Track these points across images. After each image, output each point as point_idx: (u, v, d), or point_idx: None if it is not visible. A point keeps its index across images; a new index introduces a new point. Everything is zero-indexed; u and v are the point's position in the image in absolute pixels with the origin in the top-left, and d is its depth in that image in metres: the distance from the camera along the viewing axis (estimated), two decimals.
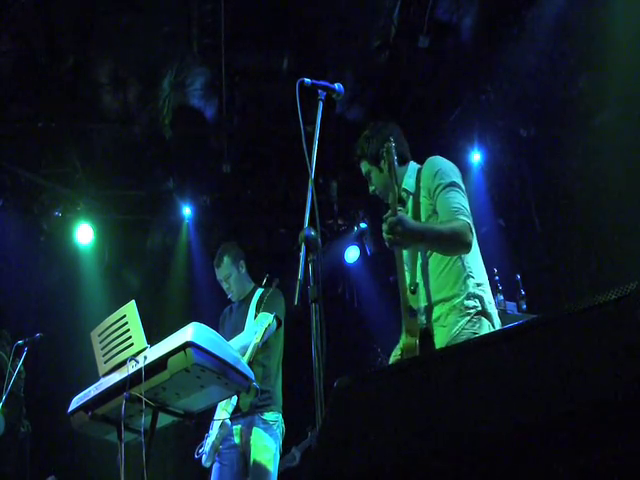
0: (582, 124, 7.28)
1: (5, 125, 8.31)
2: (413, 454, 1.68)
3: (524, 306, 6.41)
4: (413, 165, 3.95)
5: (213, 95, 8.42)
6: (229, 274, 5.77)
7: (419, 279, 3.72)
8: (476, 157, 8.56)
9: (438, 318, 3.59)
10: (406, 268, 3.76)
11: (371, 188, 4.09)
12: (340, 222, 10.65)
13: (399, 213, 3.38)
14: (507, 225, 8.24)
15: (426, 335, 3.55)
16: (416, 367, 1.85)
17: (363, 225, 10.30)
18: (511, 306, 6.26)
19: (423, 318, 3.62)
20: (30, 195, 9.16)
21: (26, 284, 9.11)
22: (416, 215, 3.75)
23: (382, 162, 3.94)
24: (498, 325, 3.58)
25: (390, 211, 3.45)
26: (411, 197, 3.84)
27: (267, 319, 5.24)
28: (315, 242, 2.78)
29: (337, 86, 3.39)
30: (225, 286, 5.83)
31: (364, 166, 4.13)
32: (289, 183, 9.84)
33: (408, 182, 3.88)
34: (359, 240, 10.46)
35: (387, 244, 3.42)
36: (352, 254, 10.48)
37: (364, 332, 10.04)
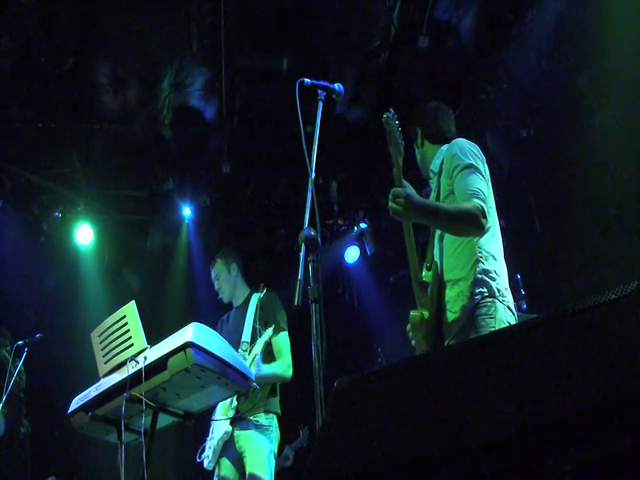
0: (582, 124, 7.27)
1: (5, 125, 8.30)
2: (412, 454, 1.68)
3: (524, 306, 6.40)
4: (445, 147, 3.94)
5: (213, 95, 8.42)
6: (219, 274, 5.95)
7: (437, 257, 3.74)
8: None
9: (448, 301, 3.60)
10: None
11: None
12: (340, 222, 10.65)
13: (406, 187, 3.40)
14: (507, 225, 8.21)
15: (439, 313, 3.60)
16: (416, 367, 1.85)
17: (363, 225, 10.29)
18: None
19: (435, 293, 3.63)
20: (30, 195, 9.15)
21: (26, 285, 9.10)
22: (437, 195, 3.80)
23: (417, 140, 4.07)
24: (510, 310, 3.56)
25: (396, 183, 3.47)
26: (435, 177, 3.90)
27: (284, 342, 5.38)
28: (315, 242, 2.79)
29: (337, 86, 3.39)
30: (216, 286, 5.99)
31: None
32: (289, 183, 9.85)
33: (435, 163, 3.93)
34: (359, 240, 10.46)
35: (390, 213, 3.37)
36: (352, 254, 10.48)
37: (364, 332, 10.04)
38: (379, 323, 9.83)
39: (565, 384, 1.50)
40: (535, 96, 7.80)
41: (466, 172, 3.60)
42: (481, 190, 3.51)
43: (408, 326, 3.68)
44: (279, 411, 5.46)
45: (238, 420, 5.24)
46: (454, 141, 3.85)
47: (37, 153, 8.80)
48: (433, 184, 3.93)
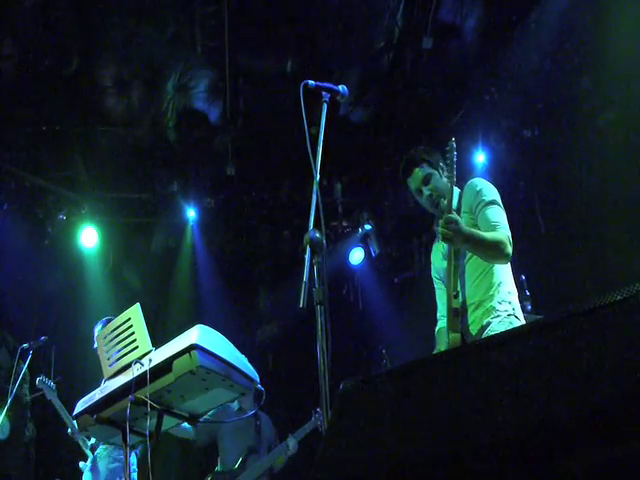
0: (586, 124, 7.27)
1: (9, 128, 8.31)
2: (418, 457, 1.67)
3: (529, 307, 6.38)
4: (456, 189, 4.16)
5: (217, 97, 8.42)
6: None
7: (459, 286, 3.97)
8: (480, 158, 8.53)
9: (472, 322, 3.86)
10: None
11: (426, 193, 4.18)
12: (344, 224, 10.63)
13: (454, 214, 3.69)
14: (511, 226, 8.20)
15: (465, 335, 3.86)
16: (421, 369, 1.85)
17: (367, 226, 10.28)
18: None
19: (461, 318, 3.89)
20: (34, 198, 9.16)
21: (31, 287, 9.10)
22: None
23: (440, 170, 4.23)
24: None
25: (446, 210, 3.79)
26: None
27: None
28: (320, 244, 2.79)
29: (341, 88, 3.39)
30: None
31: (422, 171, 4.20)
32: (293, 185, 9.85)
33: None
34: (363, 241, 10.45)
35: (440, 237, 3.74)
36: (356, 256, 10.47)
37: (368, 333, 10.03)
38: (384, 324, 9.82)
39: (571, 385, 1.49)
40: (539, 97, 7.80)
41: (490, 207, 3.94)
42: (503, 222, 3.88)
43: (449, 346, 3.89)
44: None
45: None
46: (473, 180, 4.17)
47: (41, 156, 8.81)
48: None
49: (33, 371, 6.95)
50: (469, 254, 3.98)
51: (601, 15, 6.63)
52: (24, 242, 9.04)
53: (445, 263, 4.09)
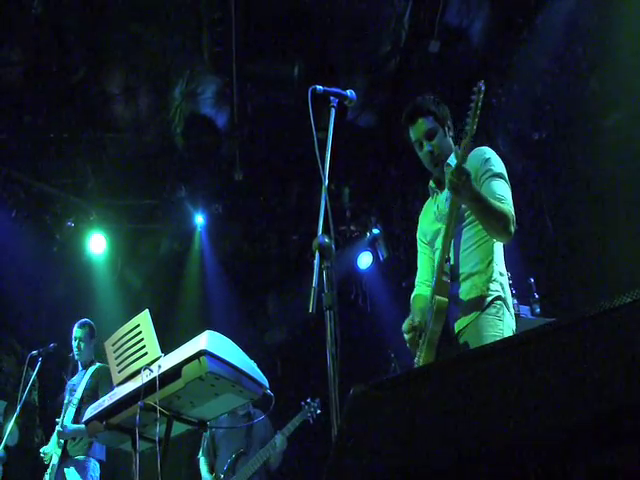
0: (594, 125, 7.25)
1: (17, 136, 8.34)
2: (429, 462, 1.67)
3: (537, 309, 6.36)
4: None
5: (224, 103, 8.43)
6: (83, 338, 6.96)
7: (452, 252, 3.76)
8: None
9: (460, 293, 3.67)
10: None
11: (427, 148, 3.93)
12: (352, 228, 10.63)
13: (468, 168, 3.39)
14: (520, 228, 8.18)
15: (452, 302, 3.64)
16: (432, 373, 1.84)
17: (376, 231, 10.29)
18: (524, 310, 6.21)
19: (451, 284, 3.68)
20: (43, 205, 9.19)
21: (39, 294, 9.12)
22: None
23: (447, 128, 4.00)
24: (514, 317, 3.70)
25: (459, 159, 3.45)
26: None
27: None
28: (329, 249, 2.78)
29: (349, 93, 3.39)
30: (75, 343, 6.93)
31: (427, 123, 3.99)
32: (301, 190, 9.85)
33: (453, 161, 3.82)
34: (372, 246, 10.45)
35: (448, 186, 3.44)
36: (365, 260, 10.47)
37: (377, 338, 10.01)
38: (392, 329, 9.77)
39: (580, 389, 1.49)
40: (546, 99, 7.79)
41: (497, 179, 3.68)
42: (509, 199, 3.63)
43: (433, 309, 3.67)
44: (103, 458, 6.57)
45: (65, 458, 6.34)
46: (482, 147, 3.89)
47: (49, 163, 8.83)
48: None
49: (42, 378, 6.95)
50: (468, 219, 3.74)
51: (608, 16, 6.62)
52: (32, 249, 9.06)
53: (435, 225, 3.90)
